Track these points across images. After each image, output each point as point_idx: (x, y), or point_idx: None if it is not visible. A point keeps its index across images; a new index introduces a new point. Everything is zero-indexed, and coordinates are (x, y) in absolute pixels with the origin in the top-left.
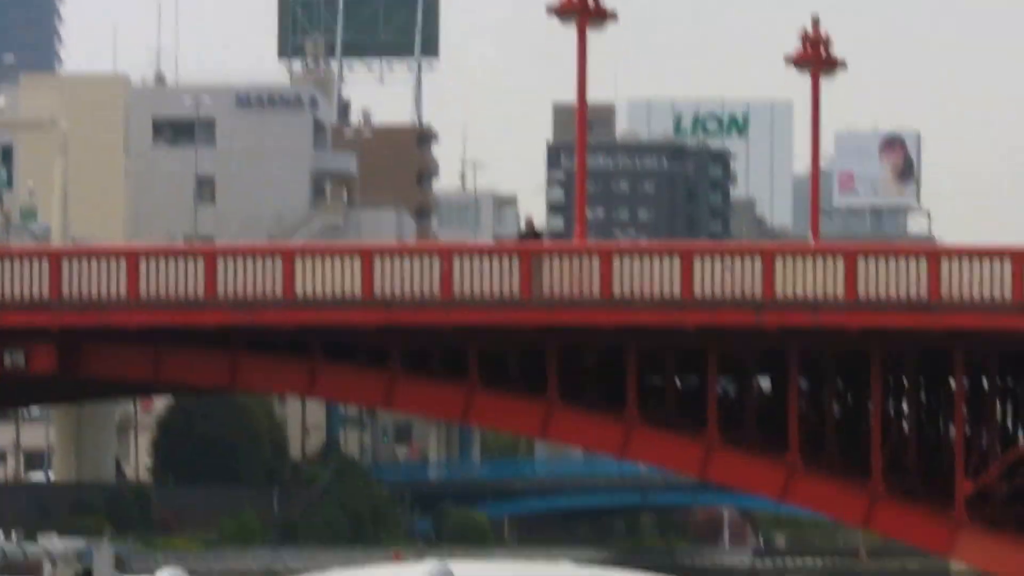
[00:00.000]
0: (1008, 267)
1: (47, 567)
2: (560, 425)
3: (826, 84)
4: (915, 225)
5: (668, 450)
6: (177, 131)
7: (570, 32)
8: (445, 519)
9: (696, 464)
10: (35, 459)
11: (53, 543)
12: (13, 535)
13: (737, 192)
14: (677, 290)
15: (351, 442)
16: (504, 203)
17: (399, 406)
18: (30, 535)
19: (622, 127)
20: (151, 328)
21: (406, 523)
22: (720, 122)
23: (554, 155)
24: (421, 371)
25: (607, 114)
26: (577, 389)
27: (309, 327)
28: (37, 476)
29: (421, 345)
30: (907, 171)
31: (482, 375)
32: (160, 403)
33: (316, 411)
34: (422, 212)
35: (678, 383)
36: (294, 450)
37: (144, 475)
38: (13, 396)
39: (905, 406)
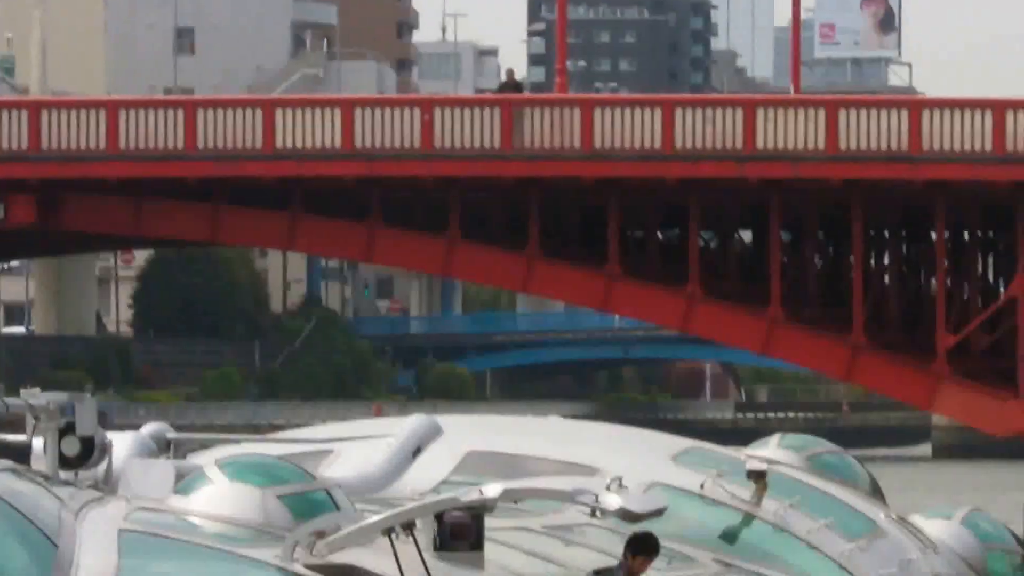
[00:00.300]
0: (989, 118)
1: (30, 421)
2: (542, 278)
3: None
4: (896, 77)
5: (650, 303)
6: None
7: None
8: (426, 373)
9: (678, 317)
10: (15, 312)
11: (36, 397)
12: None
13: (718, 43)
14: (658, 142)
15: (332, 296)
16: (485, 54)
17: (380, 259)
18: (11, 389)
19: None
20: (131, 180)
21: (387, 377)
22: None
23: (535, 6)
24: (402, 224)
25: None
26: (559, 242)
27: (290, 179)
28: (17, 329)
29: (402, 197)
30: (888, 22)
31: (463, 228)
32: (141, 256)
33: (297, 264)
34: (402, 64)
35: (660, 236)
36: (275, 304)
37: (125, 329)
38: None
39: (887, 259)
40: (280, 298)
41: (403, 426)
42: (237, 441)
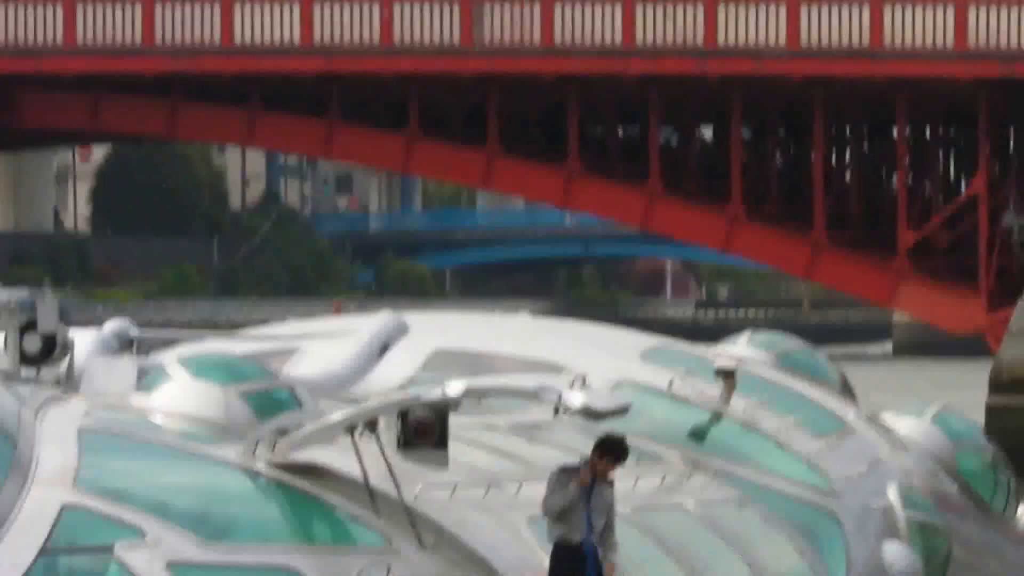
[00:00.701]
0: (951, 15)
1: None
2: (501, 175)
3: None
4: None
5: (610, 200)
6: None
7: None
8: (386, 270)
9: (638, 214)
10: None
11: None
12: None
13: None
14: (619, 38)
15: (291, 192)
16: None
17: (338, 155)
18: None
19: None
20: (88, 75)
21: (347, 274)
22: None
23: None
24: (361, 120)
25: None
26: (519, 139)
27: (248, 75)
28: None
29: (361, 93)
30: None
31: (423, 124)
32: (99, 152)
33: (256, 161)
34: None
35: (620, 133)
36: (234, 201)
37: (83, 225)
38: None
39: (848, 157)
40: (239, 195)
41: (369, 324)
42: (201, 339)
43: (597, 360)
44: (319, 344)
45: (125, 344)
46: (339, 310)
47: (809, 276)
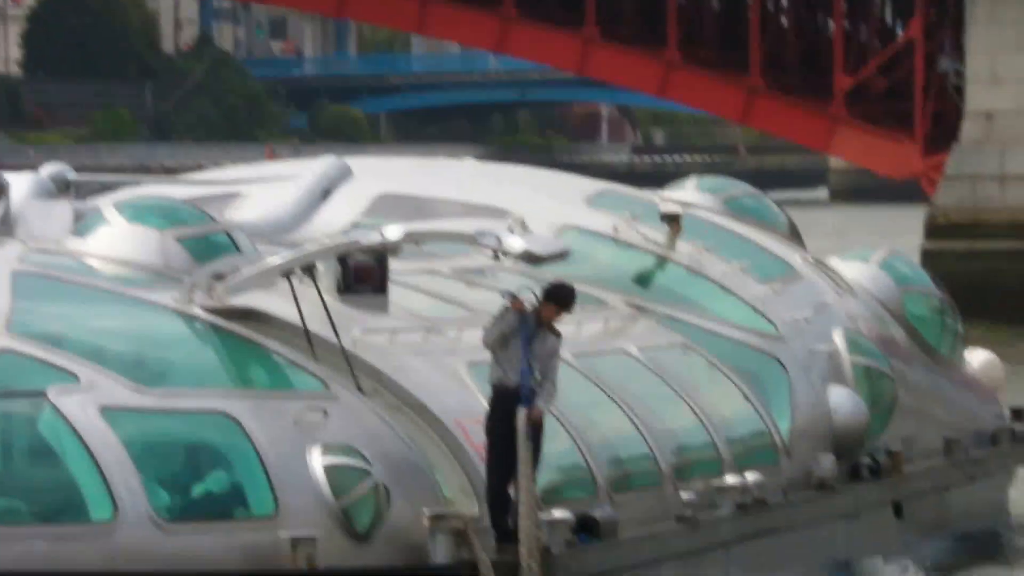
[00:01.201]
0: None
1: None
2: (436, 18)
3: None
4: None
5: (546, 44)
6: None
7: None
8: (320, 115)
9: (574, 59)
10: None
11: None
12: None
13: None
14: None
15: (225, 36)
16: None
17: None
18: None
19: None
20: None
21: (281, 119)
22: None
23: None
24: None
25: None
26: None
27: None
28: None
29: None
30: None
31: None
32: None
33: (189, 4)
34: None
35: None
36: (167, 44)
37: (14, 69)
38: None
39: (785, 1)
40: (172, 38)
41: (312, 167)
42: (140, 183)
43: (542, 205)
44: (261, 188)
45: (62, 188)
46: (272, 155)
47: (745, 121)
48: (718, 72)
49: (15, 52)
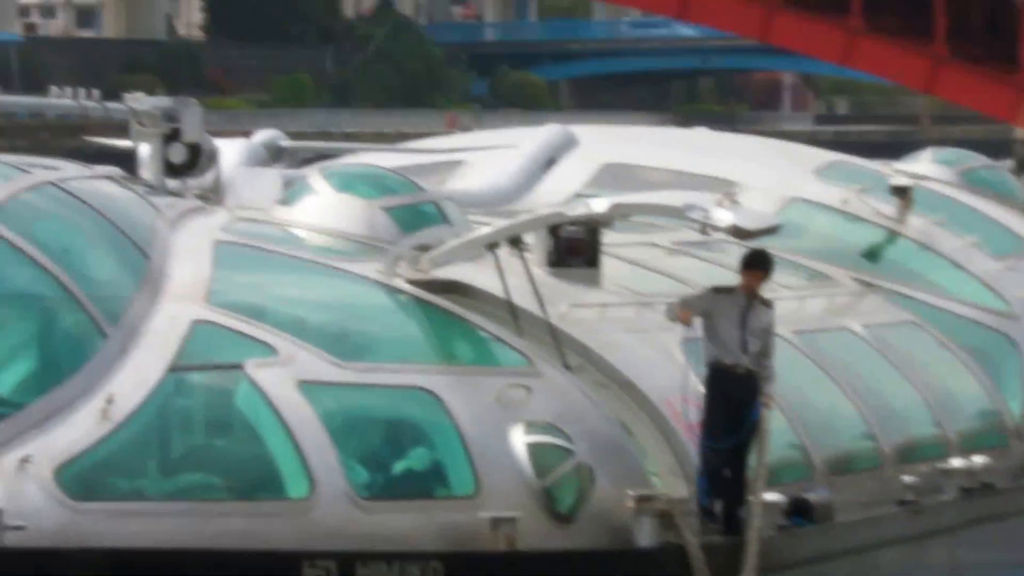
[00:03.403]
0: None
1: (134, 127)
2: None
3: None
4: None
5: (728, 11)
6: None
7: None
8: (501, 81)
9: (756, 26)
10: (85, 14)
11: (139, 102)
12: (95, 94)
13: None
14: None
15: (406, 1)
16: None
17: None
18: (109, 94)
19: None
20: None
21: (461, 85)
22: None
23: None
24: None
25: None
26: None
27: None
28: (88, 32)
29: None
30: None
31: None
32: None
33: None
34: None
35: None
36: (347, 8)
37: (195, 33)
38: None
39: None
40: (352, 3)
41: (536, 136)
42: (356, 151)
43: (770, 175)
44: (484, 157)
45: (275, 155)
46: (454, 122)
47: (930, 90)
48: (902, 40)
49: (196, 16)
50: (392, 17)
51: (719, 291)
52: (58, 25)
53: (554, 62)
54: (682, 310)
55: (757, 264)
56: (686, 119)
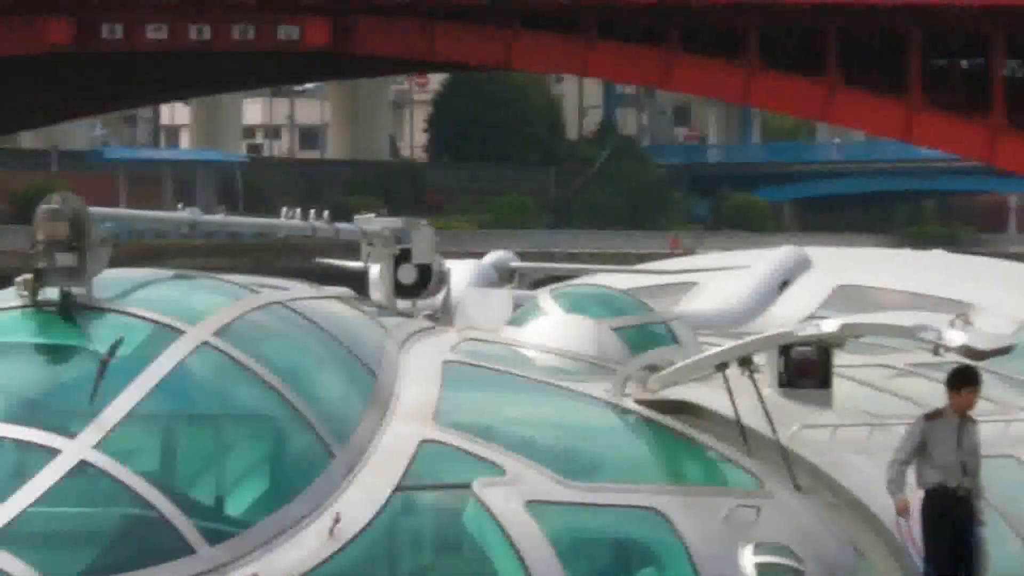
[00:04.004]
0: None
1: (364, 247)
2: (841, 106)
3: None
4: None
5: (952, 133)
6: None
7: None
8: (723, 202)
9: (982, 148)
10: (310, 135)
11: (370, 223)
12: (324, 215)
13: None
14: None
15: (628, 122)
16: None
17: (676, 85)
18: (333, 215)
19: None
20: (424, 1)
21: (682, 206)
22: None
23: None
24: (699, 49)
25: None
26: (858, 71)
27: (584, 2)
28: (311, 153)
29: (698, 22)
30: None
31: (761, 55)
32: (436, 80)
33: (593, 91)
34: None
35: (963, 65)
36: (570, 131)
37: (418, 154)
38: (288, 71)
39: None
40: (575, 125)
41: (770, 257)
42: (588, 272)
43: (1004, 298)
44: (717, 278)
45: (505, 276)
46: (676, 244)
47: None
48: None
49: (419, 137)
50: (614, 138)
51: (931, 417)
52: (282, 146)
53: (777, 183)
54: (901, 501)
55: (968, 381)
56: (909, 241)
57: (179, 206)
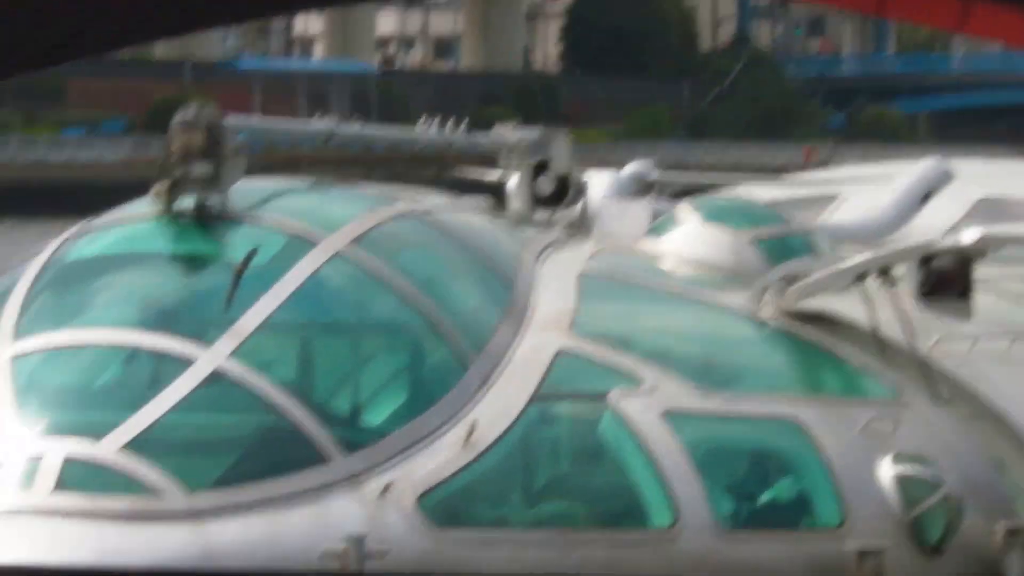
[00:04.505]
0: None
1: (503, 157)
2: (977, 18)
3: None
4: None
5: None
6: None
7: None
8: (858, 114)
9: None
10: (444, 46)
11: (508, 134)
12: (461, 126)
13: None
14: None
15: (762, 34)
16: None
17: None
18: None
19: None
20: None
21: (817, 118)
22: None
23: None
24: None
25: None
26: None
27: None
28: (445, 64)
29: None
30: None
31: None
32: None
33: (727, 2)
34: None
35: None
36: (704, 42)
37: (552, 65)
38: None
39: None
40: (709, 36)
41: (912, 170)
42: (728, 184)
43: None
44: (859, 190)
45: (644, 187)
46: (810, 155)
47: None
48: None
49: (553, 49)
50: (748, 51)
51: None
52: (416, 57)
53: (912, 95)
54: None
55: None
56: None
57: (315, 116)
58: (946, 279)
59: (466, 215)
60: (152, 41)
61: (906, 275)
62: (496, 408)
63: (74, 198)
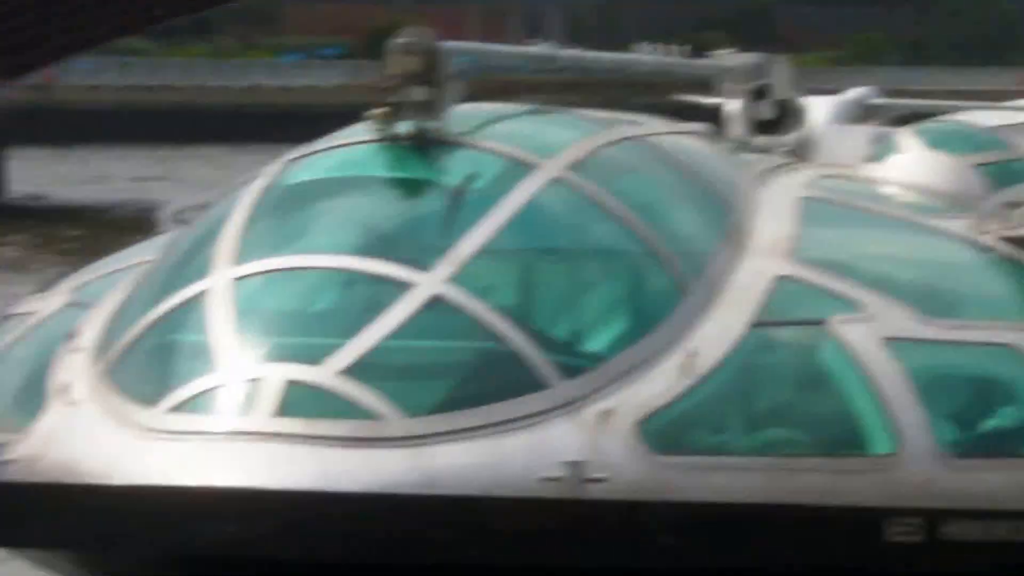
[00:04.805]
0: None
1: (722, 82)
2: None
3: None
4: None
5: None
6: None
7: None
8: None
9: None
10: None
11: (727, 58)
12: (677, 50)
13: None
14: None
15: None
16: None
17: None
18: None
19: None
20: None
21: None
22: None
23: None
24: None
25: None
26: None
27: None
28: None
29: None
30: None
31: None
32: None
33: None
34: None
35: None
36: None
37: None
38: None
39: None
40: None
41: None
42: (952, 110)
43: None
44: None
45: (865, 112)
46: None
47: None
48: None
49: None
50: None
51: None
52: None
53: None
54: None
55: None
56: None
57: (533, 40)
58: None
59: (685, 140)
60: None
61: None
62: (715, 334)
63: (290, 123)
